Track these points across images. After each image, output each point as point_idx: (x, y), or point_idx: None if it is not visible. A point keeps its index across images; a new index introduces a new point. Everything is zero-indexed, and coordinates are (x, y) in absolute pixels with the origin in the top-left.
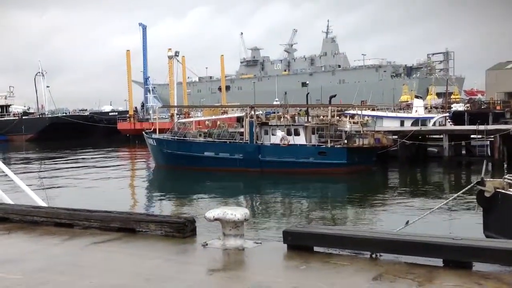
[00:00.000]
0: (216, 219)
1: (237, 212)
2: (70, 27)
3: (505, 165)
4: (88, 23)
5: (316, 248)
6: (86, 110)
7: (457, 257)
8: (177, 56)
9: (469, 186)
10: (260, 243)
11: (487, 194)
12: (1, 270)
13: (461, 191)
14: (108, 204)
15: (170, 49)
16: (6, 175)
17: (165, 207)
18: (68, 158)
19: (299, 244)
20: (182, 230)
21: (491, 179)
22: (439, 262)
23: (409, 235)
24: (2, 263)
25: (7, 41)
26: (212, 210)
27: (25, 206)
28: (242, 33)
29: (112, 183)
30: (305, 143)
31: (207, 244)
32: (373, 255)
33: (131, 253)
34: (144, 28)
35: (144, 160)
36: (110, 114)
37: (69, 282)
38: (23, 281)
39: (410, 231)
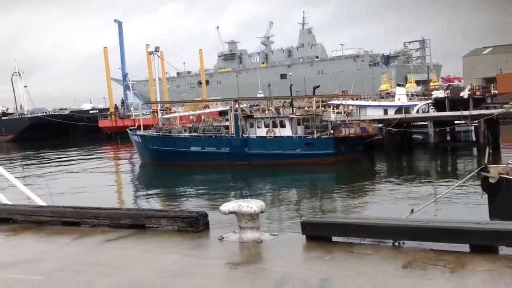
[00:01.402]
0: (231, 212)
1: (252, 204)
2: (39, 26)
3: (488, 150)
4: (56, 22)
5: (334, 238)
6: (65, 109)
7: (485, 242)
8: (157, 51)
9: (473, 173)
10: (277, 235)
11: (491, 180)
12: (18, 271)
13: (466, 178)
14: (99, 203)
15: (148, 45)
16: (2, 175)
17: (158, 204)
18: (51, 158)
19: (318, 235)
20: (195, 225)
21: (495, 165)
22: (465, 248)
23: (434, 221)
24: (18, 264)
25: None
26: (227, 203)
27: (29, 206)
28: (218, 27)
29: (100, 181)
30: (291, 134)
31: (223, 238)
32: (396, 243)
33: (147, 249)
34: (119, 25)
35: (129, 157)
36: (90, 112)
37: (92, 281)
38: (45, 282)
39: (426, 218)
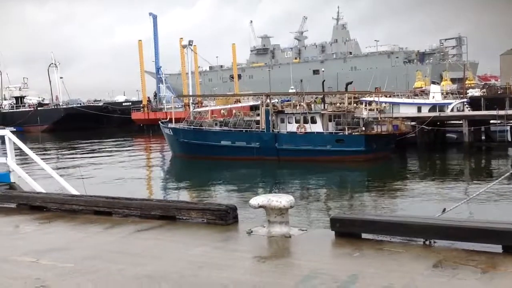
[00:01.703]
0: (260, 206)
1: (282, 199)
2: (75, 18)
3: None
4: (92, 14)
5: (364, 235)
6: (100, 100)
7: None
8: (191, 45)
9: (508, 173)
10: (306, 230)
11: None
12: (51, 258)
13: (501, 178)
14: (130, 193)
15: (182, 38)
16: (37, 164)
17: (188, 196)
18: (86, 149)
19: (347, 231)
20: (225, 218)
21: None
22: (497, 248)
23: (466, 221)
24: (51, 251)
25: (15, 34)
26: (257, 197)
27: (62, 194)
28: (251, 21)
29: (131, 172)
30: (322, 131)
31: (252, 232)
32: (427, 242)
33: (177, 240)
34: (154, 18)
35: (160, 149)
36: (123, 104)
37: (121, 270)
38: (76, 269)
39: (459, 218)
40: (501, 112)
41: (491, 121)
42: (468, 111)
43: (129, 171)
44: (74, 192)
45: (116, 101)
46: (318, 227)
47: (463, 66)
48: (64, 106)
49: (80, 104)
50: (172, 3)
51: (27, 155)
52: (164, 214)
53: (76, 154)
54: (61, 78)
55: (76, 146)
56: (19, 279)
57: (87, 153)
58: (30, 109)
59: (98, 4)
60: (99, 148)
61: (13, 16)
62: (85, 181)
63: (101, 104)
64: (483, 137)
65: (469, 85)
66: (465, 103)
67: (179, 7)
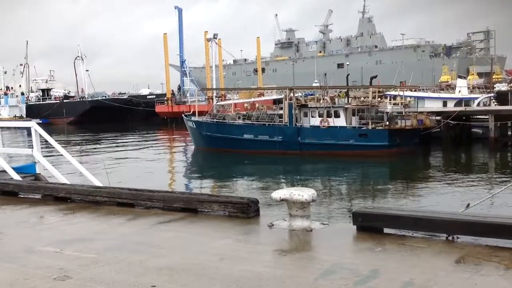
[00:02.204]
0: (282, 200)
1: (304, 192)
2: (105, 12)
3: None
4: (122, 8)
5: (386, 230)
6: (124, 93)
7: None
8: (215, 38)
9: None
10: (327, 224)
11: None
12: (75, 248)
13: None
14: (152, 185)
15: (206, 32)
16: (62, 156)
17: (210, 189)
18: (110, 141)
19: (369, 226)
20: (246, 211)
21: None
22: None
23: (490, 216)
24: (74, 241)
25: (46, 27)
26: (279, 191)
27: (86, 186)
28: (276, 15)
29: (154, 164)
30: (345, 125)
31: (273, 225)
32: (449, 237)
33: (199, 232)
34: (180, 11)
35: (183, 142)
36: (148, 97)
37: (144, 261)
38: (99, 259)
39: (482, 213)
40: None
41: None
42: (494, 106)
43: (152, 163)
44: (98, 183)
45: (141, 94)
46: (340, 221)
47: (491, 60)
48: (90, 99)
49: (105, 97)
50: None
51: (52, 147)
52: (186, 207)
53: (100, 146)
54: (87, 71)
55: (100, 138)
56: (43, 268)
57: (111, 146)
58: (56, 101)
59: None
60: (123, 141)
61: (43, 9)
62: (109, 173)
63: (125, 97)
64: (509, 132)
65: (496, 80)
66: (492, 98)
67: (205, 0)
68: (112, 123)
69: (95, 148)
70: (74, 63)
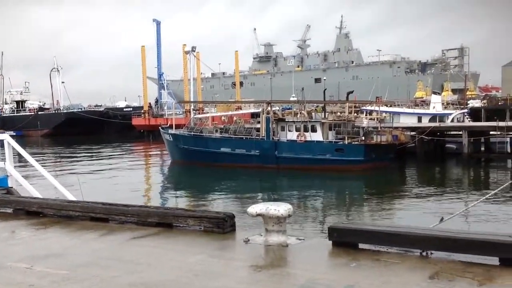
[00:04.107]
0: (258, 215)
1: (280, 207)
2: (85, 22)
3: None
4: (103, 18)
5: (361, 245)
6: (101, 105)
7: None
8: (194, 51)
9: (506, 184)
10: (303, 239)
11: None
12: (46, 265)
13: (499, 188)
14: (127, 200)
15: (185, 44)
16: (35, 169)
17: (186, 203)
18: (85, 154)
19: (345, 241)
20: (222, 226)
21: None
22: (495, 260)
23: (463, 232)
24: (46, 257)
25: (22, 36)
26: (255, 205)
27: (59, 200)
28: (255, 29)
29: (129, 178)
30: (322, 139)
31: (249, 240)
32: (424, 253)
33: (173, 248)
34: (158, 24)
35: (160, 155)
36: (124, 109)
37: (116, 277)
38: (71, 276)
39: (456, 229)
40: (501, 124)
41: (491, 132)
42: (468, 122)
43: (127, 177)
44: (71, 197)
45: (117, 106)
46: (316, 236)
47: (464, 76)
48: (65, 111)
49: (80, 109)
50: (178, 9)
51: (26, 160)
52: (161, 222)
53: (75, 159)
54: (62, 82)
55: (75, 151)
56: (13, 285)
57: (86, 159)
58: (30, 113)
59: (108, 9)
60: (98, 154)
61: (21, 18)
62: (83, 187)
63: (102, 109)
64: (482, 148)
65: (470, 96)
66: (466, 114)
67: (185, 12)
68: (87, 136)
69: (69, 161)
70: (50, 74)
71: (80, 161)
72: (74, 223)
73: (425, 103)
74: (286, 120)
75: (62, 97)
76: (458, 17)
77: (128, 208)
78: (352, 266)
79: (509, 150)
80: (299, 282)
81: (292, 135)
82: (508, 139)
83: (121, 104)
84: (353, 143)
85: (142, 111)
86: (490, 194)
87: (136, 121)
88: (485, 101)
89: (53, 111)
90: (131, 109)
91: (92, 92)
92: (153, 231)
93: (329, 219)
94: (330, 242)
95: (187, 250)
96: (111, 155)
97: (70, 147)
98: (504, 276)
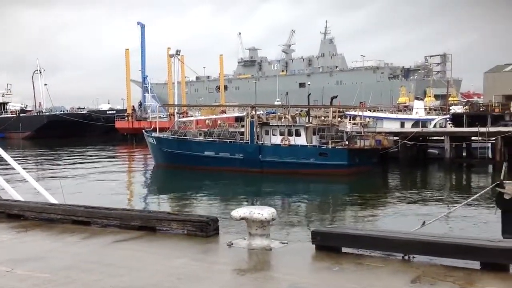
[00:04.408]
0: (242, 218)
1: (264, 211)
2: (72, 25)
3: (505, 166)
4: (89, 21)
5: (344, 249)
6: (83, 108)
7: (496, 260)
8: (178, 54)
9: (488, 188)
10: (287, 243)
11: (506, 197)
12: (27, 268)
13: (481, 192)
14: (110, 203)
15: (169, 48)
16: (17, 172)
17: (169, 207)
18: (67, 156)
19: (328, 245)
20: (206, 229)
21: (511, 182)
22: (476, 264)
23: (445, 237)
24: (27, 261)
25: (7, 38)
26: (239, 209)
27: (41, 203)
28: (240, 33)
29: (112, 181)
30: (306, 144)
31: (232, 244)
32: (406, 257)
33: (157, 251)
34: (142, 27)
35: (143, 158)
36: (108, 112)
37: (98, 281)
38: (52, 279)
39: (438, 233)
40: (483, 129)
41: (473, 138)
42: (450, 128)
43: (110, 180)
44: (53, 200)
45: (100, 109)
46: (299, 240)
47: (447, 82)
48: (47, 113)
49: (63, 111)
50: (165, 13)
51: (6, 162)
52: (144, 225)
53: (57, 162)
54: (45, 85)
55: (57, 153)
56: None
57: (68, 161)
58: (12, 115)
59: (95, 13)
60: (81, 157)
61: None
62: (65, 190)
63: (84, 112)
64: (464, 154)
65: (452, 102)
66: (448, 120)
67: (171, 16)
68: (69, 138)
69: (51, 164)
70: (32, 77)
71: (62, 164)
72: (56, 226)
73: (408, 109)
74: (270, 124)
75: (45, 99)
76: (442, 24)
77: (110, 211)
78: (335, 270)
79: (490, 156)
80: (282, 286)
81: (276, 139)
82: (489, 145)
83: (104, 107)
84: (336, 147)
85: (126, 114)
86: (471, 199)
87: (119, 124)
88: (467, 107)
89: (35, 114)
90: (115, 112)
91: (76, 94)
92: (136, 234)
93: (312, 223)
94: (314, 246)
95: (170, 253)
96: (94, 158)
97: (52, 149)
98: (485, 280)
